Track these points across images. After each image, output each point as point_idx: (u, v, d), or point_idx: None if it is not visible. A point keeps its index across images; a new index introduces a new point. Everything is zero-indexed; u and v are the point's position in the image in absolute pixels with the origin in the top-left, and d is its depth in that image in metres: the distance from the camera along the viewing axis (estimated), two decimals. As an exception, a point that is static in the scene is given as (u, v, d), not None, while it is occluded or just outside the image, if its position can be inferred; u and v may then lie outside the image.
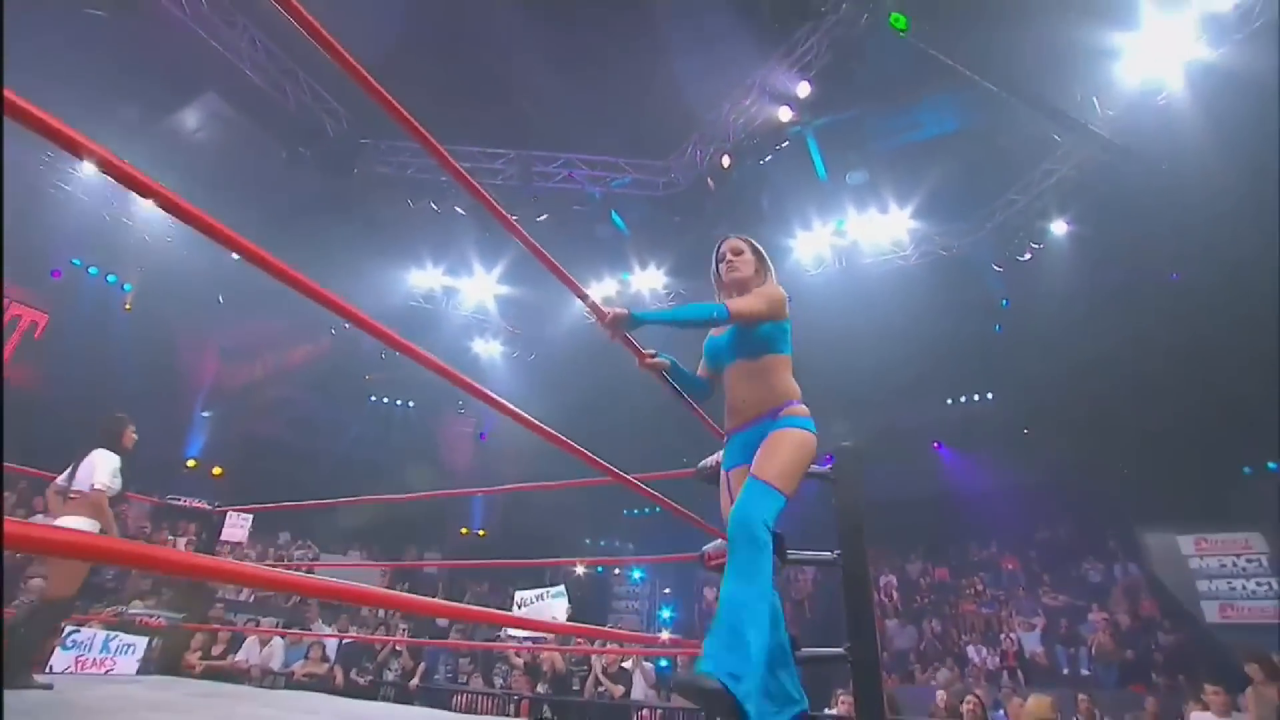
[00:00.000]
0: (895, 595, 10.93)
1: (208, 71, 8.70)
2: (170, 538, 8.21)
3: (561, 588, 6.22)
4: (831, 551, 3.08)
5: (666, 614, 14.00)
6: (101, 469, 3.57)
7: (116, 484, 3.63)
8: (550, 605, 6.02)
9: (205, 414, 12.27)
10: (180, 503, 4.43)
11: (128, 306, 10.88)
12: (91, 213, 9.83)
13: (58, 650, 5.02)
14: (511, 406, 1.69)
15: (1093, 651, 8.25)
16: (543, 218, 9.34)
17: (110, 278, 10.85)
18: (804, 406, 2.15)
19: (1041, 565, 10.53)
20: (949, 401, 13.52)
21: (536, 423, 1.81)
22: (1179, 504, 9.48)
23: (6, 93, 0.75)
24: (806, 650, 2.72)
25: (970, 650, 8.93)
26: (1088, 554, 10.33)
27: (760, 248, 2.40)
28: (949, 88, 8.38)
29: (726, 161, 8.28)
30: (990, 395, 13.08)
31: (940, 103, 9.08)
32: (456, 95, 8.85)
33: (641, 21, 8.30)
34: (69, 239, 10.07)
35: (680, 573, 13.89)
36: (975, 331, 11.44)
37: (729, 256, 2.33)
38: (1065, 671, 8.40)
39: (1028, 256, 9.64)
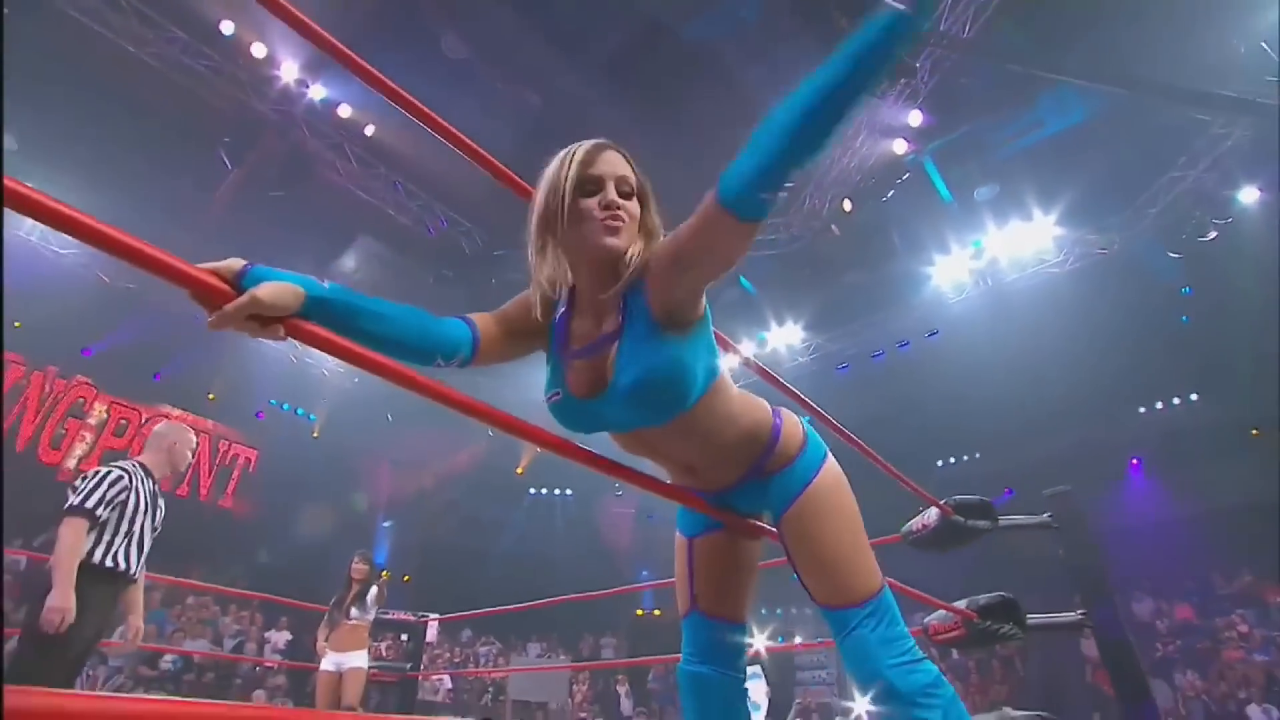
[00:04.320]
0: (1129, 644, 9.41)
1: (360, 218, 9.93)
2: (374, 643, 8.85)
3: (757, 668, 5.91)
4: (1074, 611, 2.72)
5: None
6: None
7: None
8: (748, 689, 5.71)
9: (387, 524, 13.32)
10: (389, 615, 4.72)
11: (315, 434, 12.26)
12: (283, 358, 11.32)
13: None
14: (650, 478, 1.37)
15: None
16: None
17: (299, 411, 12.34)
18: (795, 421, 1.33)
19: (1322, 594, 8.65)
20: (1142, 410, 11.90)
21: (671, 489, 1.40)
22: None
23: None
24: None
25: (1254, 712, 7.33)
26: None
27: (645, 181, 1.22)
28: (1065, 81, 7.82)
29: (848, 205, 8.13)
30: (1194, 398, 11.38)
31: (1060, 95, 8.46)
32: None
33: (732, 88, 8.51)
34: (268, 383, 11.62)
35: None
36: (1159, 331, 10.11)
37: (613, 196, 1.14)
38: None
39: (1213, 236, 8.46)
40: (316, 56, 7.14)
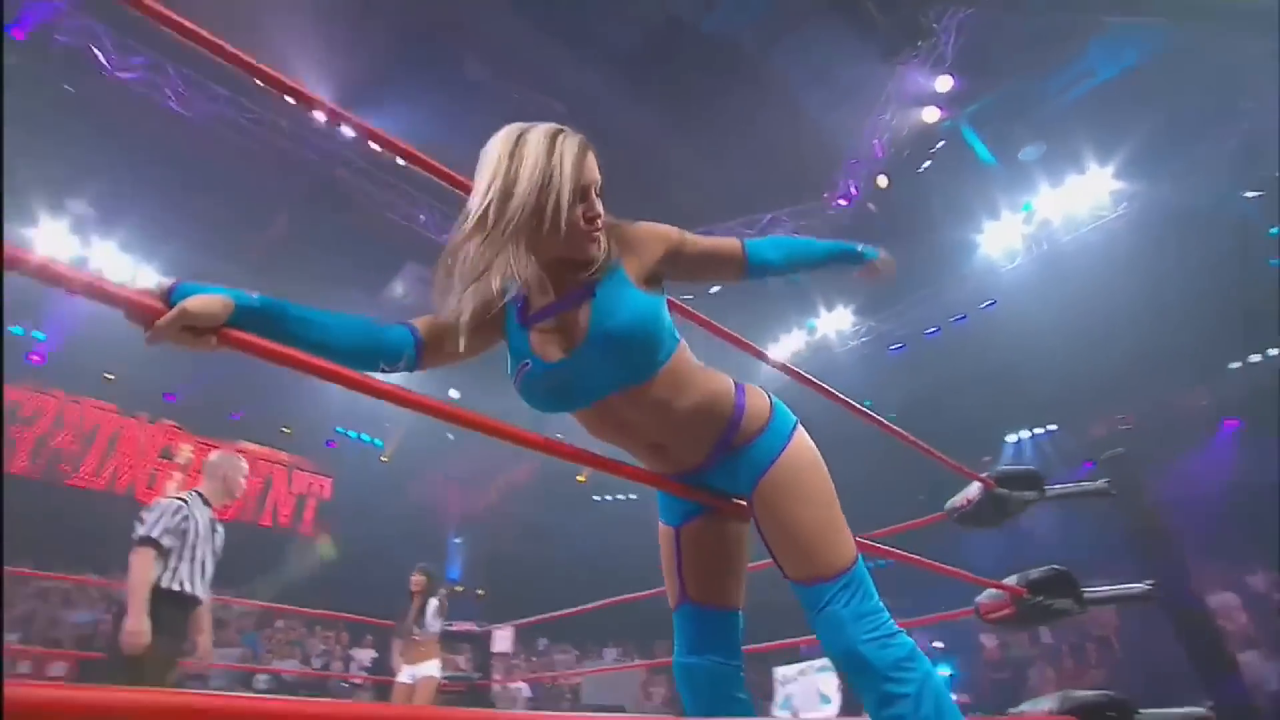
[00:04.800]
0: (1244, 619, 8.68)
1: (404, 245, 10.26)
2: (452, 655, 9.09)
3: (825, 660, 5.77)
4: (1142, 582, 2.54)
5: (945, 672, 12.36)
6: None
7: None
8: (816, 680, 5.63)
9: (457, 540, 13.69)
10: (453, 628, 4.88)
11: (384, 458, 12.73)
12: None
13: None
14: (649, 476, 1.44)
15: None
16: (716, 288, 9.52)
17: (364, 437, 12.84)
18: (760, 394, 1.31)
19: None
20: (1234, 366, 11.04)
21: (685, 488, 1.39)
22: None
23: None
24: (1149, 712, 2.20)
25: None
26: None
27: None
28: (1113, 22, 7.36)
29: (884, 181, 7.90)
30: (1290, 348, 10.46)
31: (1111, 38, 7.97)
32: (616, 202, 9.53)
33: (758, 75, 8.40)
34: (337, 412, 12.12)
35: (949, 623, 12.37)
36: (1245, 278, 9.35)
37: (599, 209, 1.18)
38: None
39: (1292, 168, 7.77)
40: (344, 94, 7.44)
